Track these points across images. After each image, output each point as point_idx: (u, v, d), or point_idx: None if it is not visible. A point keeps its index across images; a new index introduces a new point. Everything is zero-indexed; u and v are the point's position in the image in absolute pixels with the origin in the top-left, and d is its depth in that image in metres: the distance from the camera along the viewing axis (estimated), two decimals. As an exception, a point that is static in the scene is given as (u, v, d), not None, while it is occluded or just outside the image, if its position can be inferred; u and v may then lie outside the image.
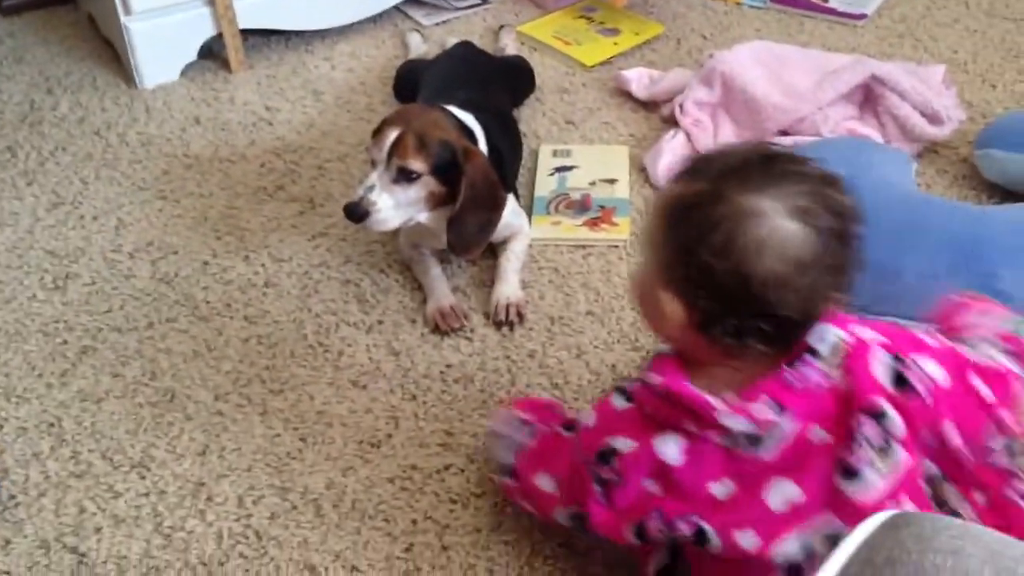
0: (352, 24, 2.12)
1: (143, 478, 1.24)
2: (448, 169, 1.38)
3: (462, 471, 1.24)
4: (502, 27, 2.14)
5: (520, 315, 1.46)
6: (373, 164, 1.39)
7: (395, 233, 1.57)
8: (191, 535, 1.17)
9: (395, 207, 1.38)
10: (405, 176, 1.36)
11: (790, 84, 1.70)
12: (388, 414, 1.32)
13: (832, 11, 2.16)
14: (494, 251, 1.55)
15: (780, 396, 0.88)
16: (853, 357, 0.89)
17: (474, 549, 1.15)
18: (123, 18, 1.90)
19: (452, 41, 2.04)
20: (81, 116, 1.91)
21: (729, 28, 2.15)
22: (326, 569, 1.14)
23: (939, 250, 1.30)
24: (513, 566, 1.13)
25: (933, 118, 1.67)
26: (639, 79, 1.90)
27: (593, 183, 1.70)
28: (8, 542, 1.16)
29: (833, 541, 0.85)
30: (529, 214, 1.62)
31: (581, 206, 1.65)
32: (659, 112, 1.87)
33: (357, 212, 1.36)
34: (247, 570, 1.13)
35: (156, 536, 1.17)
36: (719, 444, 0.89)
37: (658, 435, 0.91)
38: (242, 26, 1.99)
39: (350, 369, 1.39)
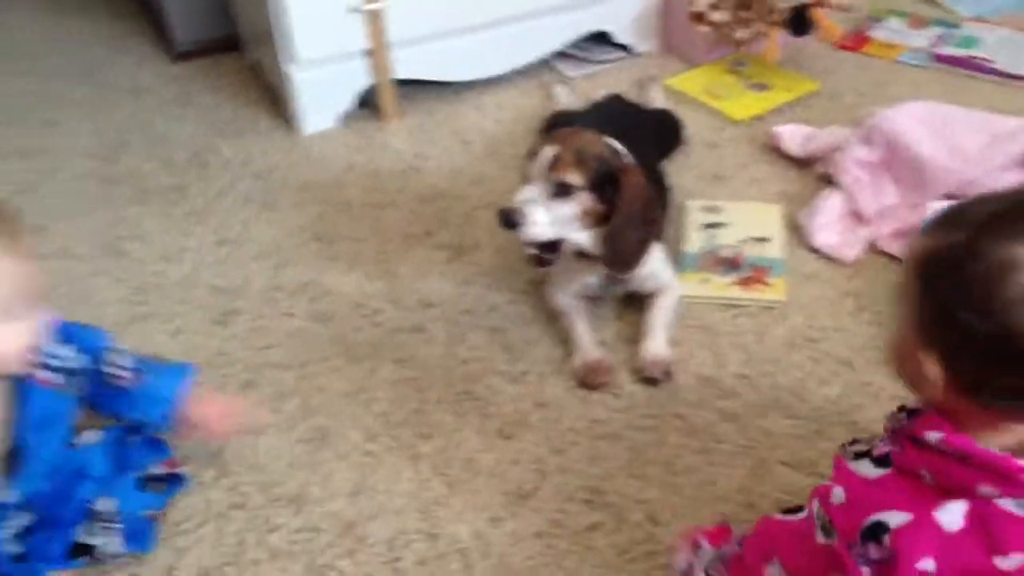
0: (501, 75, 2.17)
1: (298, 514, 1.26)
2: (604, 186, 1.39)
3: (612, 531, 1.21)
4: (649, 80, 2.14)
5: (668, 373, 1.43)
6: (526, 181, 1.41)
7: (542, 282, 1.58)
8: (342, 575, 1.19)
9: (550, 222, 1.39)
10: (562, 191, 1.38)
11: (957, 145, 1.63)
12: (535, 467, 1.31)
13: (997, 71, 2.07)
14: (642, 305, 1.54)
15: None
16: None
17: (623, 614, 1.12)
18: (287, 67, 2.00)
19: (599, 94, 2.05)
20: (244, 159, 2.01)
21: (886, 86, 2.08)
22: (473, 621, 1.13)
23: None
24: (664, 635, 1.10)
25: (1119, 186, 1.56)
26: (792, 135, 1.87)
27: (744, 241, 1.66)
28: (172, 568, 1.21)
29: None
30: (677, 270, 1.60)
31: (731, 264, 1.62)
32: (812, 170, 1.82)
33: (511, 219, 1.38)
34: (395, 615, 1.14)
35: (309, 573, 1.19)
36: (1010, 511, 0.80)
37: (941, 503, 0.81)
38: (397, 77, 2.06)
39: (497, 418, 1.39)
